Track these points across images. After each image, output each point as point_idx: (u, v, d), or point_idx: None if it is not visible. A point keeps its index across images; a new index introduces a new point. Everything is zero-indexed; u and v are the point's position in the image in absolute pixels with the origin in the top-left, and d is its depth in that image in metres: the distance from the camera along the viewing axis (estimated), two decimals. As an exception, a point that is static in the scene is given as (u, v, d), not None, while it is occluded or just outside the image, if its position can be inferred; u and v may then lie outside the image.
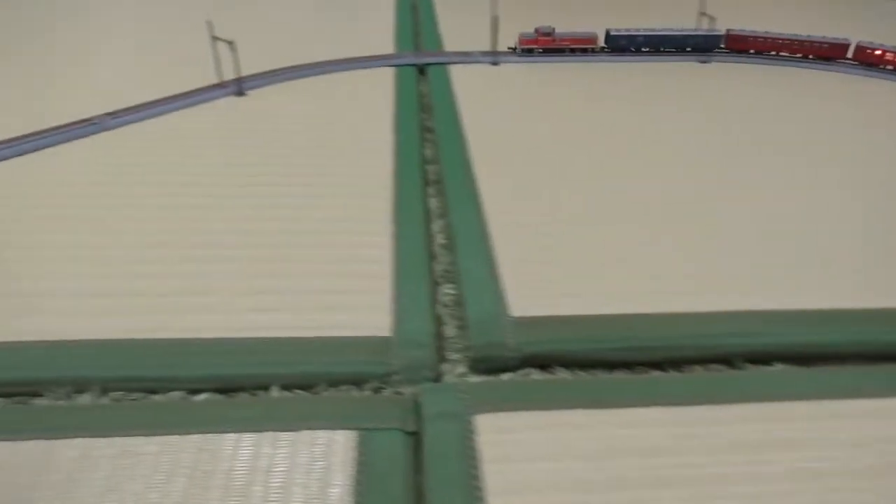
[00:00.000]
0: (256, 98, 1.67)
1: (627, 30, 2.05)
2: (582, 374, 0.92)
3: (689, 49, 2.06)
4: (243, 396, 0.86)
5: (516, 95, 1.79)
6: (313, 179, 1.34)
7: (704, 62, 2.01)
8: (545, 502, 0.71)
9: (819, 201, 1.31)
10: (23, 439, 0.77)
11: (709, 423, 0.81)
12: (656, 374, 0.91)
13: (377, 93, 1.76)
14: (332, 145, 1.47)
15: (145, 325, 0.93)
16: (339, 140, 1.50)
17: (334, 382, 0.88)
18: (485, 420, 0.80)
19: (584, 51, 2.03)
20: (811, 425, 0.81)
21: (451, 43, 2.10)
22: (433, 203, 1.32)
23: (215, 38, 1.64)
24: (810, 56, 2.06)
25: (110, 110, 1.48)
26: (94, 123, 1.43)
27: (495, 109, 1.70)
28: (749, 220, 1.23)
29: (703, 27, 2.05)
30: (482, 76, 1.90)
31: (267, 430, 0.79)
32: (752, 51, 2.08)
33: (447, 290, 1.08)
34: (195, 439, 0.78)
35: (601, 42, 2.04)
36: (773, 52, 2.07)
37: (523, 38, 2.02)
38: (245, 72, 1.69)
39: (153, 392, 0.86)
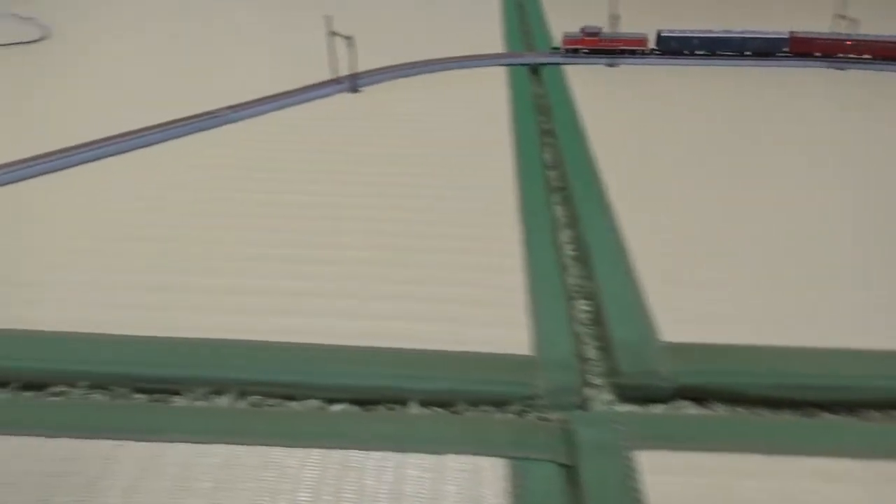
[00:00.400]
0: (370, 95, 1.65)
1: (681, 31, 1.94)
2: (742, 412, 0.84)
3: (747, 53, 1.93)
4: (381, 410, 0.83)
5: (637, 98, 1.70)
6: (434, 181, 1.29)
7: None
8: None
9: None
10: (166, 441, 0.76)
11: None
12: (836, 418, 0.81)
13: (491, 92, 1.70)
14: (450, 146, 1.43)
15: (280, 327, 0.91)
16: (456, 140, 1.45)
17: (475, 402, 0.83)
18: (647, 458, 0.73)
19: (633, 52, 1.93)
20: None
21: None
22: (558, 211, 1.26)
23: (333, 34, 1.62)
24: (881, 57, 1.86)
25: (231, 104, 1.49)
26: (217, 116, 1.44)
27: (616, 112, 1.62)
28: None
29: (842, 30, 1.90)
30: (599, 77, 1.82)
31: (410, 451, 0.75)
32: (817, 53, 1.91)
33: (583, 306, 1.02)
34: (337, 455, 0.75)
35: (651, 44, 1.94)
36: (841, 55, 1.89)
37: (568, 39, 1.91)
38: (358, 68, 1.67)
39: (290, 399, 0.83)
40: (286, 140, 1.42)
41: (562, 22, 2.21)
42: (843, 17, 1.90)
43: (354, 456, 0.75)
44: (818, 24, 1.97)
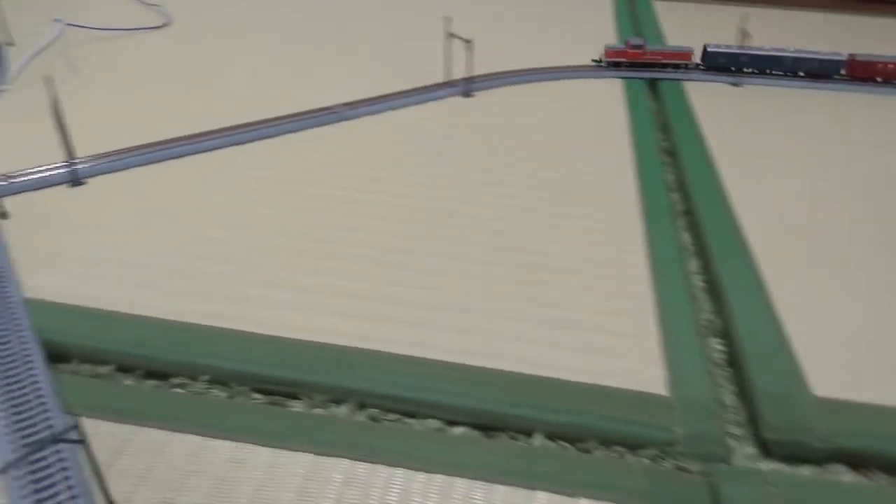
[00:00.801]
0: (483, 100, 1.61)
1: (728, 46, 1.83)
2: (908, 484, 0.75)
3: (801, 74, 1.80)
4: (503, 438, 0.78)
5: (765, 119, 1.59)
6: (551, 194, 1.24)
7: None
8: None
9: None
10: (288, 448, 0.74)
11: None
12: None
13: (607, 105, 1.63)
14: (567, 158, 1.37)
15: (396, 337, 0.88)
16: (572, 153, 1.39)
17: (606, 440, 0.77)
18: (807, 530, 0.66)
19: (677, 66, 1.82)
20: None
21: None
22: (685, 237, 1.18)
23: (452, 36, 1.59)
24: None
25: (347, 101, 1.48)
26: (335, 112, 1.43)
27: (742, 132, 1.52)
28: None
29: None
30: (722, 95, 1.72)
31: (539, 489, 0.71)
32: (878, 78, 1.77)
33: (716, 345, 0.95)
34: (461, 485, 0.71)
35: (696, 58, 1.83)
36: None
37: (610, 51, 1.81)
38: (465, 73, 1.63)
39: (410, 416, 0.80)
40: (398, 141, 1.40)
41: (676, 33, 2.12)
42: None
43: (479, 487, 0.71)
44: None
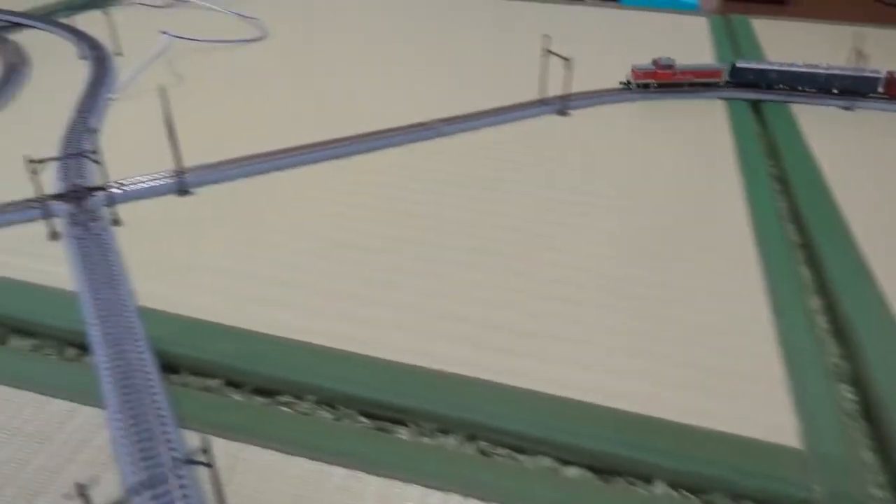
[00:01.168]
0: (580, 119, 1.57)
1: (757, 62, 1.73)
2: None
3: (834, 91, 1.69)
4: (621, 483, 0.74)
5: (879, 145, 1.49)
6: (656, 222, 1.18)
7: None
8: None
9: None
10: (398, 479, 0.72)
11: None
12: None
13: (709, 127, 1.56)
14: (667, 181, 1.31)
15: (512, 369, 0.85)
16: (674, 176, 1.33)
17: (734, 494, 0.72)
18: None
19: (706, 86, 1.71)
20: None
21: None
22: (803, 273, 1.11)
23: (550, 53, 1.56)
24: None
25: (444, 117, 1.47)
26: (431, 129, 1.42)
27: (859, 160, 1.42)
28: None
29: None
30: (832, 119, 1.63)
31: (664, 543, 0.66)
32: None
33: (847, 392, 0.88)
34: (581, 531, 0.67)
35: (725, 76, 1.73)
36: None
37: (638, 72, 1.69)
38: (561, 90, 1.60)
39: (521, 451, 0.77)
40: (495, 158, 1.37)
41: (777, 54, 2.03)
42: None
43: (600, 536, 0.67)
44: None
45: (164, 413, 0.75)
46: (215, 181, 1.24)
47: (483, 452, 0.77)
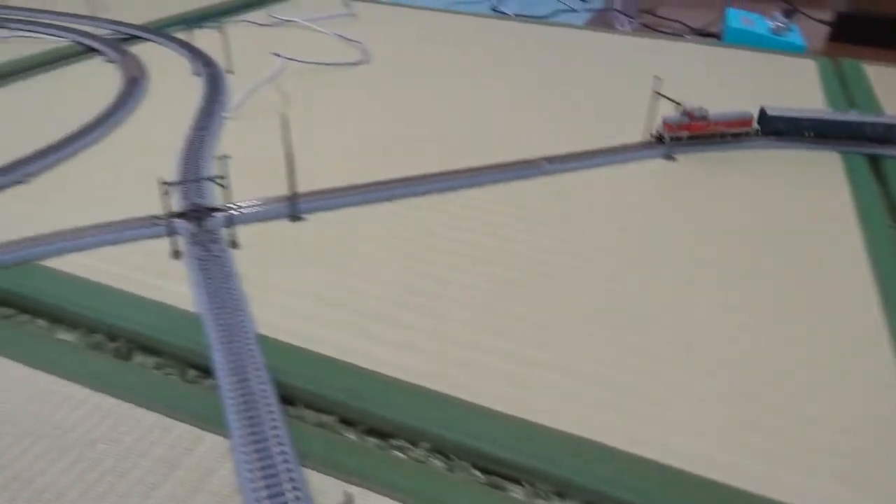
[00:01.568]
0: (686, 165, 1.54)
1: (788, 110, 1.62)
2: None
3: (867, 139, 1.62)
4: (749, 571, 0.71)
5: None
6: (770, 283, 1.14)
7: None
8: None
9: None
10: (517, 542, 0.71)
11: None
12: None
13: (824, 181, 1.50)
14: (781, 239, 1.26)
15: (631, 434, 0.83)
16: (788, 234, 1.28)
17: None
18: None
19: (737, 135, 1.61)
20: None
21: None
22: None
23: (659, 95, 1.54)
24: None
25: (548, 155, 1.46)
26: (536, 167, 1.41)
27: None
28: None
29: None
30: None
31: None
32: None
33: None
34: None
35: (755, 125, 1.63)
36: None
37: (671, 125, 1.56)
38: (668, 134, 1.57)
39: (641, 525, 0.74)
40: (599, 200, 1.35)
41: (893, 101, 1.94)
42: None
43: None
44: None
45: (286, 450, 0.76)
46: (327, 208, 1.27)
47: (602, 522, 0.75)
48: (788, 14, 2.60)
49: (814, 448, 0.82)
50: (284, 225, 1.23)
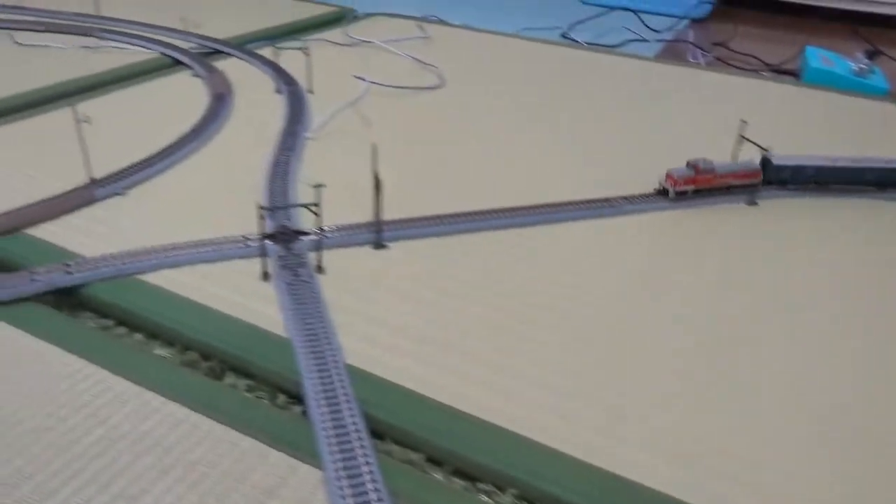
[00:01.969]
0: (768, 211, 1.51)
1: (790, 157, 1.54)
2: None
3: (871, 185, 1.57)
4: None
5: None
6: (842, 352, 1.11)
7: None
8: None
9: None
10: None
11: None
12: None
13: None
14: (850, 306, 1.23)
15: (718, 495, 0.82)
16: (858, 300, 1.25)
17: None
18: None
19: (744, 187, 1.52)
20: None
21: None
22: None
23: (743, 139, 1.51)
24: None
25: (626, 194, 1.46)
26: (613, 205, 1.41)
27: None
28: None
29: None
30: None
31: None
32: None
33: None
34: None
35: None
36: None
37: (677, 178, 1.46)
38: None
39: None
40: (679, 244, 1.34)
41: None
42: None
43: None
44: None
45: (380, 486, 0.77)
46: (410, 237, 1.28)
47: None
48: (871, 55, 2.53)
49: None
50: (368, 252, 1.25)
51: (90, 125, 1.37)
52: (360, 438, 0.84)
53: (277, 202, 1.35)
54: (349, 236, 1.26)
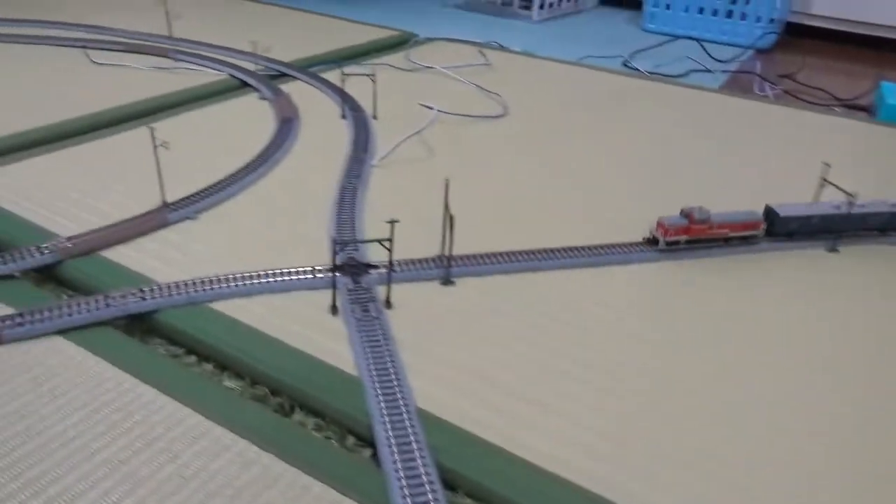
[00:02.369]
0: (847, 259, 1.44)
1: (794, 206, 1.44)
2: None
3: (875, 230, 1.49)
4: None
5: None
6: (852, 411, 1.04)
7: None
8: None
9: None
10: None
11: None
12: None
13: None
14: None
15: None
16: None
17: None
18: None
19: (745, 238, 1.40)
20: None
21: None
22: None
23: (826, 183, 1.45)
24: None
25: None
26: (681, 248, 1.36)
27: None
28: None
29: None
30: None
31: None
32: None
33: None
34: None
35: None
36: None
37: (668, 227, 1.35)
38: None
39: None
40: (742, 295, 1.28)
41: None
42: None
43: None
44: None
45: (456, 546, 0.75)
46: (477, 274, 1.26)
47: None
48: (953, 93, 2.42)
49: None
50: (436, 288, 1.23)
51: (167, 149, 1.39)
52: (433, 490, 0.81)
53: (345, 231, 1.35)
54: (418, 271, 1.25)
